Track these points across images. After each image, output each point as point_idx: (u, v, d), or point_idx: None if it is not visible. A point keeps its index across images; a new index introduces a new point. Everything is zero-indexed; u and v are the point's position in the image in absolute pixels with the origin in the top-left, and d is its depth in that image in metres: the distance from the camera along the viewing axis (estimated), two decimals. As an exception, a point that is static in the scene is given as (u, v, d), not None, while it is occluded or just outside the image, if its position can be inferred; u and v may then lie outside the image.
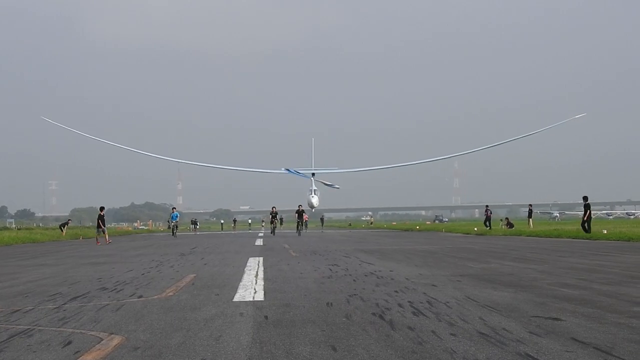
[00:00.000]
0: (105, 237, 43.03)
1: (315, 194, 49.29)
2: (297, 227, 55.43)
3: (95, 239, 43.25)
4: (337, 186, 58.78)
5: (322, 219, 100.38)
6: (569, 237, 37.40)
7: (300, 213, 55.82)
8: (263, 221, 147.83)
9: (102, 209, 44.93)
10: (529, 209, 62.86)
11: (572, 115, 47.06)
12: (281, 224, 56.51)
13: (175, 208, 63.48)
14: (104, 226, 44.00)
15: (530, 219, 59.79)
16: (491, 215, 65.19)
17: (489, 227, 59.70)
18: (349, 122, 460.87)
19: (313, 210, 47.53)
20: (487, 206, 67.45)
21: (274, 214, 55.84)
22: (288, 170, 56.12)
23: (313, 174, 51.69)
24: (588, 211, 38.56)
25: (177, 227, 58.91)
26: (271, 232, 54.94)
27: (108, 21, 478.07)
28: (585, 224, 38.29)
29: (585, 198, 39.55)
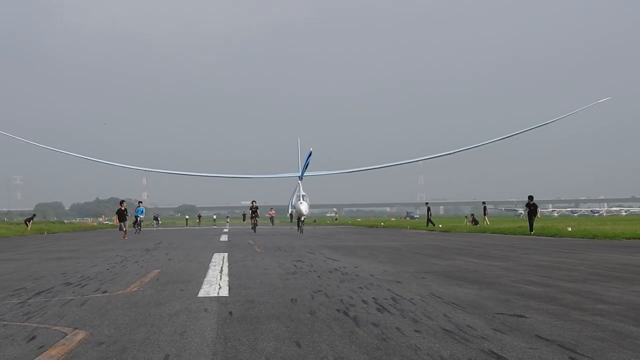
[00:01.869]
0: (125, 229, 42.20)
1: (304, 199, 44.73)
2: (253, 224, 51.44)
3: (124, 232, 41.87)
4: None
5: (290, 205, 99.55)
6: (536, 234, 37.74)
7: (254, 210, 52.36)
8: (228, 217, 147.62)
9: (122, 202, 44.13)
10: (484, 207, 63.54)
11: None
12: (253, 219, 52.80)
13: (141, 202, 61.13)
14: (126, 220, 43.05)
15: (486, 216, 60.40)
16: (430, 212, 65.51)
17: (429, 226, 60.16)
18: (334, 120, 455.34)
19: (302, 219, 44.25)
20: (427, 203, 67.68)
21: (254, 209, 52.36)
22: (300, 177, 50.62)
23: (300, 178, 47.87)
24: (535, 210, 39.22)
25: (141, 222, 57.19)
26: (252, 229, 51.31)
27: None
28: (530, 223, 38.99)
29: (530, 197, 39.99)
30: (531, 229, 38.24)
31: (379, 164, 49.85)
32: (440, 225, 59.38)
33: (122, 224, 42.19)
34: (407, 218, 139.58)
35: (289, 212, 45.64)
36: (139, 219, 55.97)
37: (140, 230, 54.96)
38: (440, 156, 47.97)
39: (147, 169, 58.45)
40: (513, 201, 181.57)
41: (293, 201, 44.81)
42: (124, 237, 39.93)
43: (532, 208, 39.72)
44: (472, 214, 65.33)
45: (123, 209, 42.72)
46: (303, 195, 44.40)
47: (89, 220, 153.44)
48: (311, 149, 46.87)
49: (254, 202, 52.52)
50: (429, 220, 63.32)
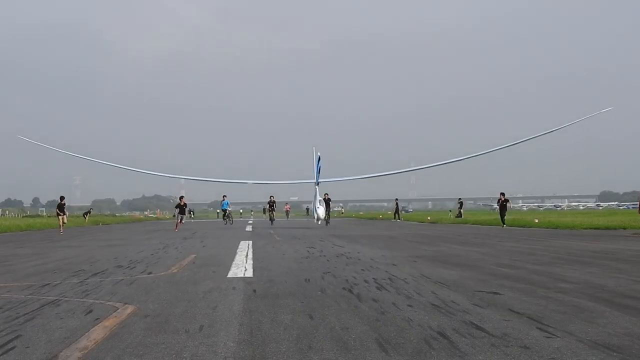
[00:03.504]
0: (179, 222, 39.70)
1: (321, 204, 40.99)
2: (270, 218, 48.13)
3: (176, 224, 39.18)
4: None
5: (307, 209, 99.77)
6: (507, 225, 37.61)
7: (272, 204, 48.97)
8: (252, 211, 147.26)
9: (181, 198, 41.69)
10: (460, 202, 63.37)
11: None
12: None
13: (225, 196, 52.12)
14: (184, 214, 40.68)
15: (461, 210, 60.26)
16: (398, 207, 65.58)
17: (396, 219, 60.80)
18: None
19: (319, 222, 40.58)
20: (396, 199, 67.79)
21: (272, 203, 48.79)
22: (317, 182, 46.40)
23: (317, 183, 43.89)
24: (505, 205, 38.51)
25: (230, 213, 51.75)
26: (270, 221, 47.87)
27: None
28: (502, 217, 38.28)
29: (502, 194, 39.39)
30: (502, 222, 37.31)
31: (382, 172, 48.19)
32: (429, 218, 59.38)
33: (180, 216, 39.79)
34: (402, 212, 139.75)
35: (313, 213, 42.33)
36: (227, 211, 51.43)
37: (232, 221, 50.95)
38: (435, 165, 46.01)
39: (186, 177, 54.44)
40: (489, 197, 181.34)
41: (313, 205, 41.92)
42: (175, 229, 37.95)
43: (504, 203, 39.12)
44: (460, 206, 64.65)
45: (182, 204, 40.59)
46: (320, 201, 41.32)
47: (137, 213, 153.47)
48: (319, 154, 45.77)
49: (272, 197, 49.27)
50: (396, 212, 63.95)
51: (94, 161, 46.64)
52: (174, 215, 46.21)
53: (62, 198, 39.33)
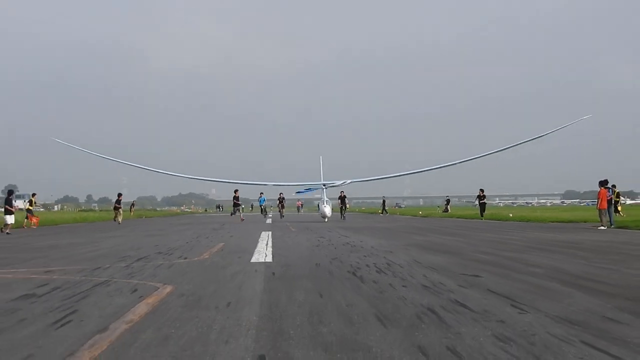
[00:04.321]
0: (241, 215, 39.03)
1: (327, 204, 38.21)
2: (280, 212, 47.09)
3: (239, 216, 38.34)
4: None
5: (319, 206, 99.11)
6: (486, 219, 37.52)
7: (281, 200, 46.93)
8: (271, 207, 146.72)
9: (236, 191, 40.02)
10: (447, 199, 63.55)
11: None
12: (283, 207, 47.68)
13: (262, 193, 48.84)
14: (239, 206, 39.51)
15: (448, 206, 60.30)
16: (385, 203, 67.29)
17: (383, 213, 61.54)
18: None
19: (326, 220, 36.74)
20: (383, 197, 68.92)
21: (281, 199, 46.87)
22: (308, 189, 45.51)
23: (324, 185, 40.91)
24: (483, 202, 38.32)
25: (266, 208, 49.45)
26: (280, 215, 46.91)
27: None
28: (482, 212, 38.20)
29: (481, 190, 39.12)
30: (481, 215, 37.32)
31: (379, 176, 47.17)
32: (420, 212, 59.54)
33: (235, 208, 38.55)
34: (396, 207, 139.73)
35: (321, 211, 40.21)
36: (263, 207, 49.18)
37: (267, 215, 48.90)
38: (429, 170, 44.52)
39: (215, 180, 52.05)
40: (472, 195, 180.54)
41: (321, 204, 38.54)
42: (241, 220, 37.36)
43: (482, 199, 38.93)
44: (447, 202, 64.52)
45: (237, 195, 39.11)
46: (327, 201, 38.62)
47: (174, 208, 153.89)
48: (321, 157, 45.56)
49: (281, 194, 47.24)
50: (383, 209, 65.47)
51: (130, 164, 45.99)
52: (262, 211, 45.38)
53: (119, 195, 39.08)
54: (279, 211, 47.79)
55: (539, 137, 39.39)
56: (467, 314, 5.51)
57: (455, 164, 40.91)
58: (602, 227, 23.35)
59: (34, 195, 36.44)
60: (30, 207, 34.67)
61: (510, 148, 40.08)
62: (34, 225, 32.88)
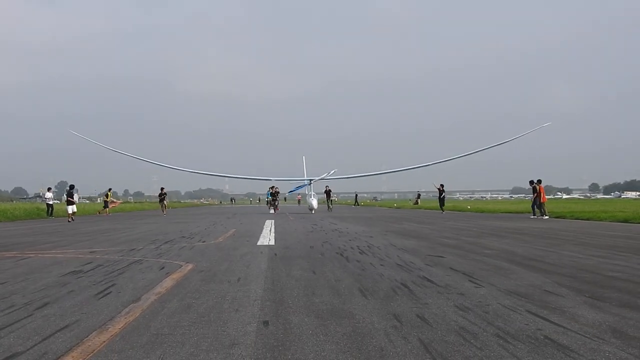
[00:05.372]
0: (277, 208, 36.29)
1: (314, 197, 33.54)
2: (270, 204, 37.90)
3: (273, 209, 35.82)
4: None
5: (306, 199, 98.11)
6: (447, 210, 37.50)
7: (274, 193, 38.35)
8: (254, 199, 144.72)
9: (272, 188, 38.00)
10: (418, 194, 62.54)
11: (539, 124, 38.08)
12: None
13: (271, 188, 40.54)
14: (277, 200, 36.51)
15: (419, 200, 59.80)
16: (357, 197, 69.14)
17: (356, 205, 61.98)
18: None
19: (313, 211, 32.47)
20: (355, 192, 70.03)
21: (274, 193, 37.98)
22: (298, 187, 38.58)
23: (310, 181, 35.65)
24: (443, 196, 35.40)
25: (277, 202, 39.17)
26: (273, 208, 36.94)
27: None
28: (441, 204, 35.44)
29: (442, 185, 36.38)
30: (441, 208, 33.40)
31: (366, 173, 46.08)
32: (395, 205, 59.64)
33: (272, 201, 34.99)
34: (374, 200, 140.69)
35: (309, 204, 34.82)
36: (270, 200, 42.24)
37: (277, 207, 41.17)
38: (413, 168, 42.37)
39: (229, 176, 48.25)
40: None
41: (308, 198, 34.09)
42: (277, 211, 34.68)
43: (441, 192, 36.30)
44: (417, 197, 63.74)
45: (275, 191, 36.21)
46: (313, 195, 33.89)
47: (195, 200, 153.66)
48: (304, 157, 40.65)
49: (275, 188, 38.65)
50: (355, 201, 67.35)
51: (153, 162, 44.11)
52: (267, 203, 40.73)
53: (162, 189, 36.10)
54: (272, 203, 38.16)
55: (505, 142, 38.32)
56: (433, 288, 5.49)
57: (429, 164, 39.38)
58: (533, 217, 23.36)
59: (110, 190, 36.92)
60: (108, 199, 35.99)
61: (480, 151, 38.81)
62: (108, 213, 35.01)
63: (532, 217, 23.74)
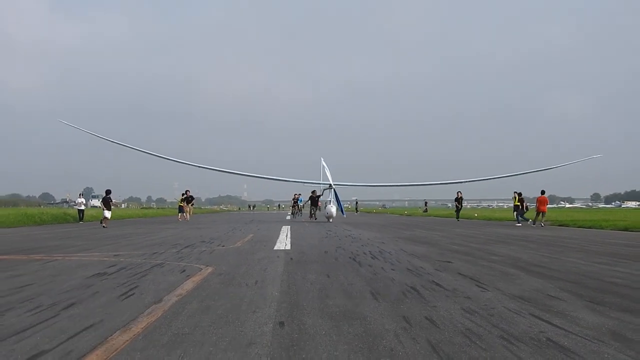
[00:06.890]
0: (301, 212, 35.61)
1: (332, 204, 30.77)
2: (310, 212, 32.90)
3: (301, 214, 34.83)
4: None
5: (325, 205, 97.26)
6: (460, 217, 37.23)
7: (296, 200, 38.65)
8: (291, 206, 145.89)
9: (295, 195, 37.78)
10: (425, 202, 62.25)
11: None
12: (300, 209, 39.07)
13: (300, 194, 40.10)
14: (317, 205, 32.79)
15: (427, 207, 59.58)
16: (357, 204, 67.96)
17: (356, 211, 61.53)
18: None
19: (330, 220, 29.56)
20: (356, 199, 69.80)
21: (295, 200, 38.76)
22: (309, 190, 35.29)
23: (330, 186, 32.32)
24: (461, 205, 35.24)
25: (302, 207, 39.16)
26: (294, 215, 38.43)
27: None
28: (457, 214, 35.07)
29: (458, 192, 36.04)
30: (457, 217, 33.24)
31: (381, 183, 44.09)
32: (405, 212, 59.42)
33: (313, 208, 32.32)
34: (383, 207, 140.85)
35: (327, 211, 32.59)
36: (299, 206, 38.89)
37: (301, 213, 38.99)
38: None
39: (247, 174, 43.56)
40: (447, 199, 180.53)
41: (327, 204, 31.23)
42: (310, 218, 32.13)
43: (459, 200, 35.35)
44: (425, 205, 63.42)
45: (315, 196, 32.43)
46: (332, 201, 31.17)
47: (215, 207, 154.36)
48: (322, 158, 35.16)
49: (298, 195, 39.20)
50: (356, 209, 66.11)
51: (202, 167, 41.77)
52: (297, 208, 39.05)
53: (187, 191, 33.51)
54: (293, 211, 39.17)
55: (550, 168, 36.00)
56: (441, 292, 5.48)
57: (462, 182, 36.01)
58: (519, 225, 23.78)
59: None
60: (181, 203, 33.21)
61: (519, 175, 35.96)
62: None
63: (518, 224, 24.49)
